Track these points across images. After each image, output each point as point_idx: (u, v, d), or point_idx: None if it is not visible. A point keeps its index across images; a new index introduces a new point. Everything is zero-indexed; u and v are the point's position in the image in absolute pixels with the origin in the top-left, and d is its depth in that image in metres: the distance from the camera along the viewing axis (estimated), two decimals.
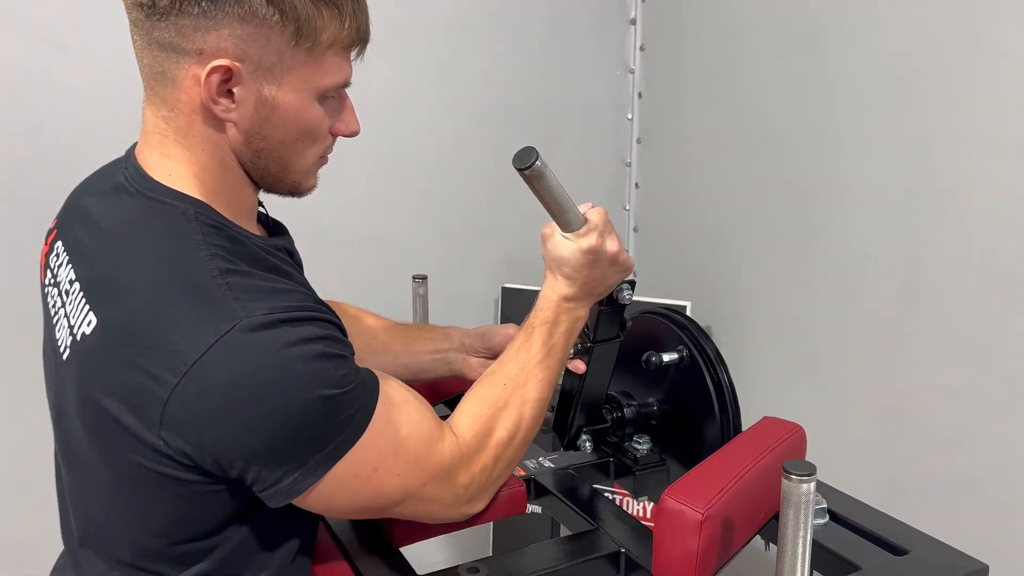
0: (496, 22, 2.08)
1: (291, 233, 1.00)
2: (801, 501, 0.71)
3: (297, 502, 0.78)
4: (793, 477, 0.70)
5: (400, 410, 0.83)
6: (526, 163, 0.84)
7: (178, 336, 0.72)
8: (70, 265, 0.84)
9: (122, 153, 0.90)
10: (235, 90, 0.77)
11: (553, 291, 0.94)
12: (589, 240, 0.90)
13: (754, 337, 1.92)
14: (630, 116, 2.28)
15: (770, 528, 0.98)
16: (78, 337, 0.79)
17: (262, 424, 0.72)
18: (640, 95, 2.26)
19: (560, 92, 2.20)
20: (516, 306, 2.13)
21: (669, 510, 0.84)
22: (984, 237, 1.42)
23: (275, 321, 0.73)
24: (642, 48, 2.23)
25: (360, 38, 0.82)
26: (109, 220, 0.83)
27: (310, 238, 1.17)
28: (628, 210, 2.33)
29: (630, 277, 1.01)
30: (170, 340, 0.72)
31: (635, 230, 2.33)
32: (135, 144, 0.86)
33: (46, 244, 0.92)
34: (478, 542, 2.11)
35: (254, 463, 0.74)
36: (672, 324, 1.14)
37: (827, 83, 1.69)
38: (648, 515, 1.87)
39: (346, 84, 0.84)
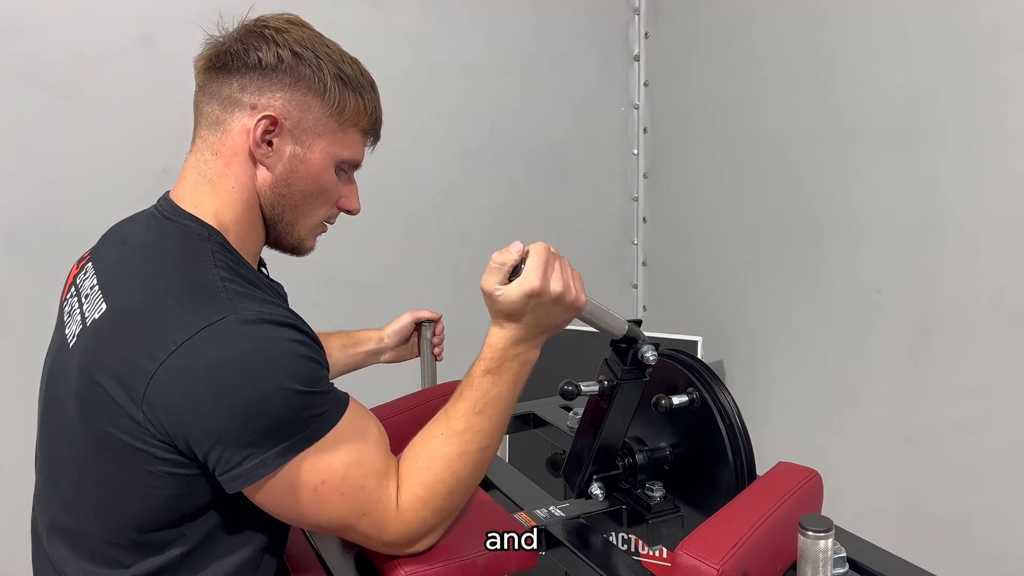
0: (502, 60, 2.10)
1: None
2: (819, 558, 0.69)
3: (249, 492, 0.85)
4: (810, 534, 0.69)
5: (359, 438, 0.89)
6: None
7: (174, 321, 0.82)
8: (95, 275, 0.94)
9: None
10: (275, 140, 0.94)
11: (499, 339, 0.93)
12: (531, 282, 0.89)
13: (767, 372, 1.90)
14: (636, 151, 2.28)
15: None
16: (88, 323, 0.89)
17: (235, 404, 0.80)
18: (645, 130, 2.26)
19: (566, 129, 2.21)
20: None
21: (684, 566, 0.81)
22: (994, 271, 1.41)
23: (261, 320, 0.83)
24: (646, 84, 2.24)
25: (374, 128, 1.00)
26: (136, 237, 0.96)
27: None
28: (636, 244, 2.32)
29: (649, 338, 1.01)
30: (167, 323, 0.82)
31: (644, 264, 2.32)
32: (168, 191, 0.99)
33: (76, 267, 1.01)
34: None
35: (220, 442, 0.81)
36: (681, 366, 1.13)
37: (832, 117, 1.69)
38: (665, 556, 1.84)
39: (358, 165, 1.01)
